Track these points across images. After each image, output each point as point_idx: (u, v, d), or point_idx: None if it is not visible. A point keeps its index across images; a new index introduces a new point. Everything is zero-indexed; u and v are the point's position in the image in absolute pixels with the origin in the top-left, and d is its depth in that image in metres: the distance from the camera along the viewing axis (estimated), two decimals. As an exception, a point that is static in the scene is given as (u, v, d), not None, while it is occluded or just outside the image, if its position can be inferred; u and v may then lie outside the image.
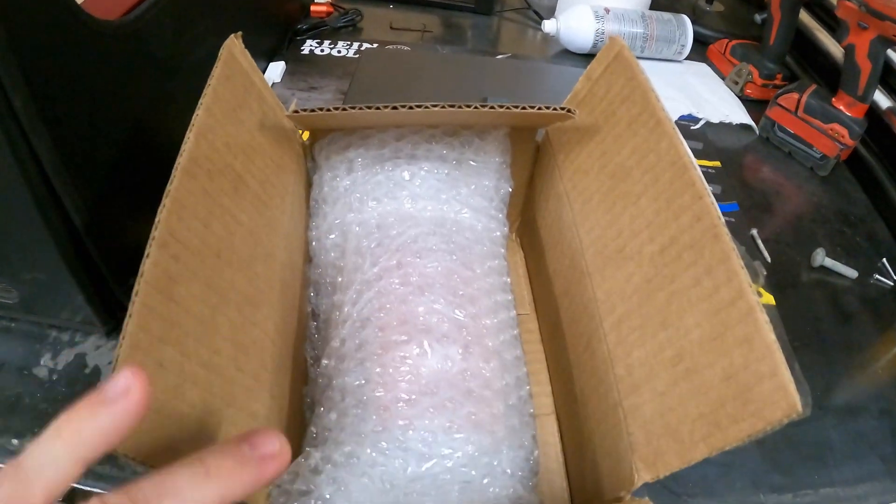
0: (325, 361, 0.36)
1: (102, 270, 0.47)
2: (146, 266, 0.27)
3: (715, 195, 0.68)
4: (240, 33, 0.41)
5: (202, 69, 0.41)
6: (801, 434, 0.49)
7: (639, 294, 0.33)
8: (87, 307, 0.48)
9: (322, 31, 0.89)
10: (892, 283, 0.62)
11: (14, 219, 0.41)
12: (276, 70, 0.78)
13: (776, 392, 0.25)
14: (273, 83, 0.77)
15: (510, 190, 0.46)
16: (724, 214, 0.64)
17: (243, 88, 0.40)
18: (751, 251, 0.63)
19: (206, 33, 0.56)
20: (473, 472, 0.32)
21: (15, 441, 0.45)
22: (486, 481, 0.32)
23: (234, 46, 0.40)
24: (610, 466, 0.34)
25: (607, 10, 0.84)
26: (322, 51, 0.86)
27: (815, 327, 0.57)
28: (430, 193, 0.42)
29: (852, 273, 0.62)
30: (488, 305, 0.38)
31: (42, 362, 0.50)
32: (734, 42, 0.86)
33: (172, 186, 0.30)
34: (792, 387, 0.24)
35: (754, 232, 0.65)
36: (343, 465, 0.31)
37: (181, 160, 0.32)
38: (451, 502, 0.31)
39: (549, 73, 0.83)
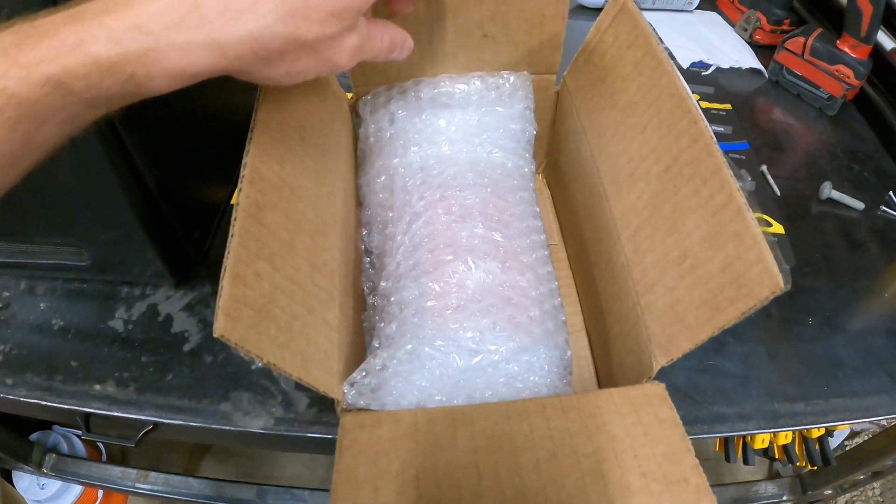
0: (383, 284, 0.43)
1: (172, 225, 0.53)
2: (241, 198, 0.33)
3: (725, 135, 0.72)
4: None
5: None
6: (813, 351, 0.54)
7: (649, 208, 0.39)
8: (158, 261, 0.53)
9: None
10: (898, 214, 0.66)
11: (93, 185, 0.46)
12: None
13: (763, 274, 0.30)
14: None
15: (535, 132, 0.51)
16: (734, 153, 0.69)
17: None
18: (761, 186, 0.67)
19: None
20: (515, 368, 0.39)
21: (97, 387, 0.51)
22: (527, 373, 0.38)
23: None
24: (633, 361, 0.40)
25: (619, -34, 0.87)
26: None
27: (823, 254, 0.62)
28: (465, 138, 0.48)
29: (859, 205, 0.66)
30: (521, 228, 0.44)
31: (117, 315, 0.56)
32: (742, -10, 0.89)
33: (253, 135, 0.36)
34: (775, 269, 0.30)
35: (764, 168, 0.69)
36: (406, 361, 0.37)
37: (258, 115, 0.38)
38: (500, 387, 0.37)
39: (566, 29, 0.87)
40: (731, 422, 0.50)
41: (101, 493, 1.15)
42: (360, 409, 0.36)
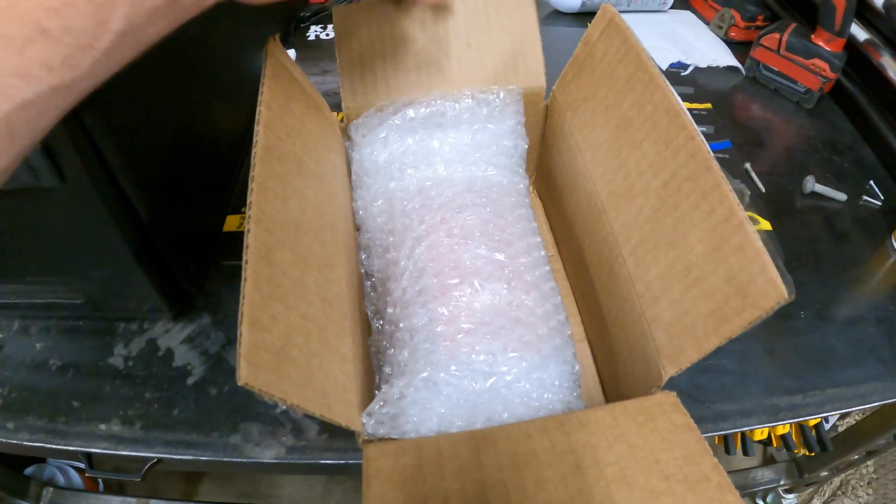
0: (389, 310, 0.43)
1: (167, 259, 0.52)
2: (249, 239, 0.33)
3: (708, 135, 0.73)
4: (277, 35, 0.46)
5: (230, 62, 0.46)
6: (807, 343, 0.55)
7: (650, 222, 0.40)
8: (155, 295, 0.53)
9: (324, 15, 0.93)
10: (879, 203, 0.68)
11: (86, 222, 0.46)
12: (288, 59, 0.83)
13: (767, 285, 0.31)
14: (289, 73, 0.82)
15: (526, 146, 0.52)
16: (717, 152, 0.70)
17: (288, 83, 0.46)
18: (746, 184, 0.68)
19: (229, 28, 0.60)
20: (528, 386, 0.39)
21: (102, 426, 0.50)
22: (540, 391, 0.39)
23: (274, 47, 0.45)
24: (640, 371, 0.41)
25: (591, -31, 0.88)
26: (327, 35, 0.89)
27: (810, 248, 0.63)
28: (459, 157, 0.48)
29: (841, 196, 0.68)
30: (522, 247, 0.45)
31: (116, 352, 0.54)
32: (715, -12, 0.91)
33: (255, 172, 0.36)
34: (779, 280, 0.31)
35: (748, 166, 0.70)
36: (423, 388, 0.38)
37: (257, 150, 0.37)
38: (516, 407, 0.38)
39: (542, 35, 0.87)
40: (733, 419, 0.51)
41: (101, 525, 1.13)
42: (380, 439, 0.37)
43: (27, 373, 0.54)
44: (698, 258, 0.36)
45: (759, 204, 0.66)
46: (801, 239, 0.64)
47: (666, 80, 0.40)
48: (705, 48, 0.85)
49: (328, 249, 0.41)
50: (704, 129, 0.74)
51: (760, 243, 0.32)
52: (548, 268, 0.46)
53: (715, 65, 0.84)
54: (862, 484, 1.25)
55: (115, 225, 0.46)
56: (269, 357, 0.31)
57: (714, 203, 0.35)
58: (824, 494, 1.22)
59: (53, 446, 0.50)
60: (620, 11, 0.90)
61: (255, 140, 0.38)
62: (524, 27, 0.51)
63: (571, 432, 0.35)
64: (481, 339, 0.39)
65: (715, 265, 0.34)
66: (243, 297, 0.31)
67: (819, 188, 0.68)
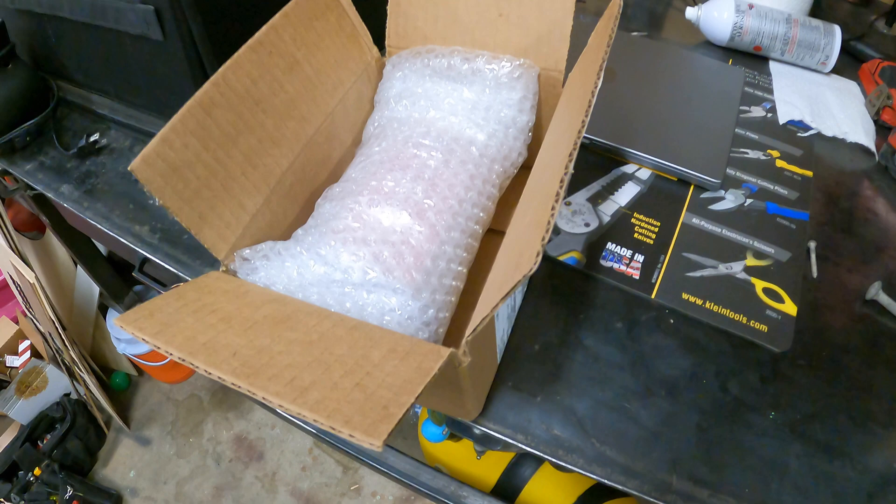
0: (319, 202, 0.50)
1: None
2: (197, 93, 0.42)
3: (786, 199, 0.67)
4: None
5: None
6: (757, 447, 0.49)
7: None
8: None
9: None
10: (955, 347, 0.57)
11: (180, 77, 0.60)
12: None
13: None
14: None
15: (530, 122, 0.54)
16: (784, 218, 0.65)
17: (325, 6, 0.53)
18: (798, 259, 0.62)
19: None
20: (370, 299, 0.42)
21: (137, 227, 0.65)
22: (379, 310, 0.42)
23: None
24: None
25: (751, 6, 0.83)
26: None
27: (832, 355, 0.55)
28: (452, 109, 0.53)
29: (906, 319, 0.58)
30: (452, 197, 0.48)
31: None
32: (885, 63, 0.81)
33: (236, 53, 0.45)
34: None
35: (811, 245, 0.63)
36: (279, 253, 0.44)
37: (249, 41, 0.46)
38: (346, 311, 0.42)
39: (678, 59, 0.83)
40: (610, 469, 0.47)
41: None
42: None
43: (115, 175, 0.72)
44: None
45: (798, 286, 0.59)
46: (828, 341, 0.56)
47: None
48: (843, 119, 0.77)
49: (285, 134, 0.48)
50: (786, 193, 0.68)
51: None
52: (476, 227, 0.49)
53: (842, 137, 0.75)
54: None
55: (194, 86, 0.56)
56: (164, 166, 0.39)
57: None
58: None
59: (102, 228, 0.66)
60: (772, 59, 0.84)
61: (263, 28, 0.47)
62: (558, 10, 0.52)
63: (339, 325, 0.36)
64: (349, 244, 0.44)
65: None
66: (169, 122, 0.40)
67: (884, 299, 0.59)
